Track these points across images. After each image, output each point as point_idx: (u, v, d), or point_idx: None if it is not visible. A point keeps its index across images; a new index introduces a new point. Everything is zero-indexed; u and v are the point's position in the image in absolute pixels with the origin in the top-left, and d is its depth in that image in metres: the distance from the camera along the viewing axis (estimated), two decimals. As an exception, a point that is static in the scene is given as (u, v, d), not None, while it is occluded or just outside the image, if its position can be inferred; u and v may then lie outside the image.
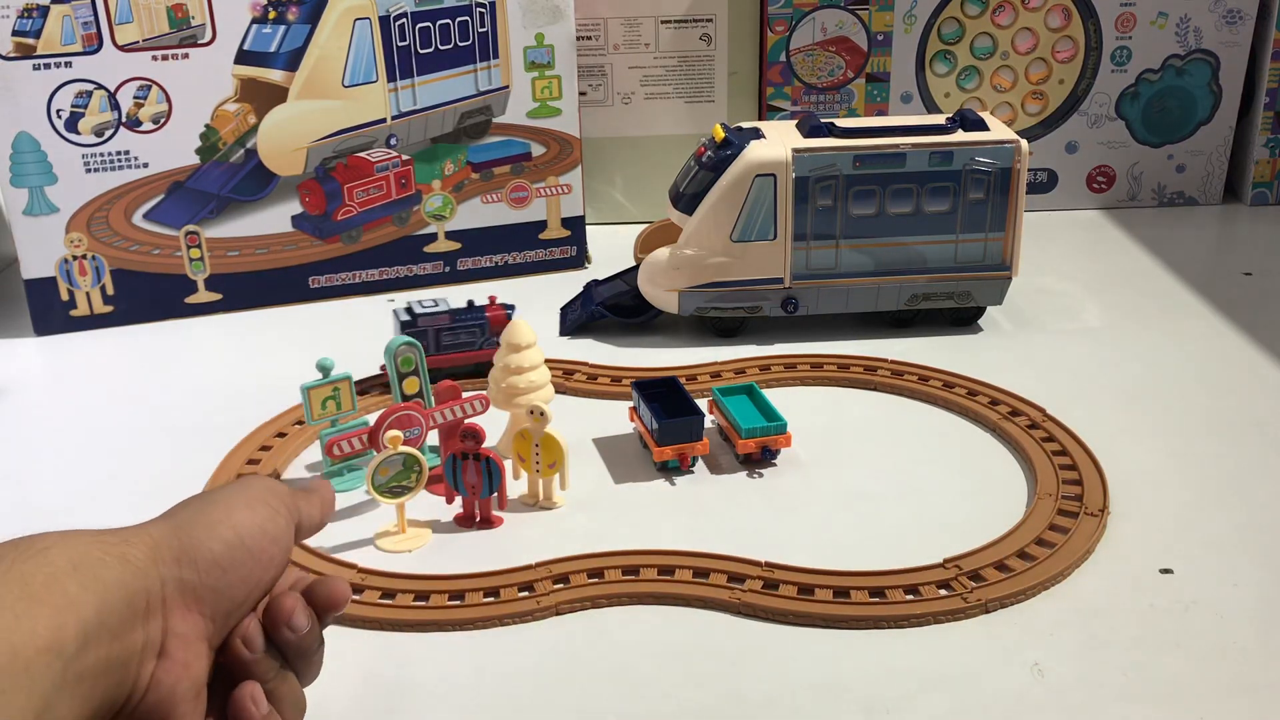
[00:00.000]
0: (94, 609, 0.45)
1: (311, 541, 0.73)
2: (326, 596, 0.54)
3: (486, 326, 0.91)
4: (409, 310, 0.90)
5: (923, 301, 0.98)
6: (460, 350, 0.90)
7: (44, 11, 0.95)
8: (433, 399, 0.81)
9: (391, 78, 1.04)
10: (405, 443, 0.73)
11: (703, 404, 0.84)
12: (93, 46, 0.97)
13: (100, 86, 0.98)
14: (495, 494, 0.75)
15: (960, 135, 0.95)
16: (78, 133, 0.99)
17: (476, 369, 0.91)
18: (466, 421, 0.75)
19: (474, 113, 1.08)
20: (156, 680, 0.49)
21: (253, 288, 1.06)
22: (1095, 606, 0.67)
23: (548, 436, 0.75)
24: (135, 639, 0.48)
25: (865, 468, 0.81)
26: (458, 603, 0.67)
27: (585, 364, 0.94)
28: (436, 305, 0.90)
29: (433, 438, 0.81)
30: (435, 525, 0.75)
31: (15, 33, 0.95)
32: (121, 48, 0.97)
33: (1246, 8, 1.19)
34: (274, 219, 1.05)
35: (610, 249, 1.15)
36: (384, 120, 1.05)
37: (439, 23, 1.04)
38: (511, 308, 0.92)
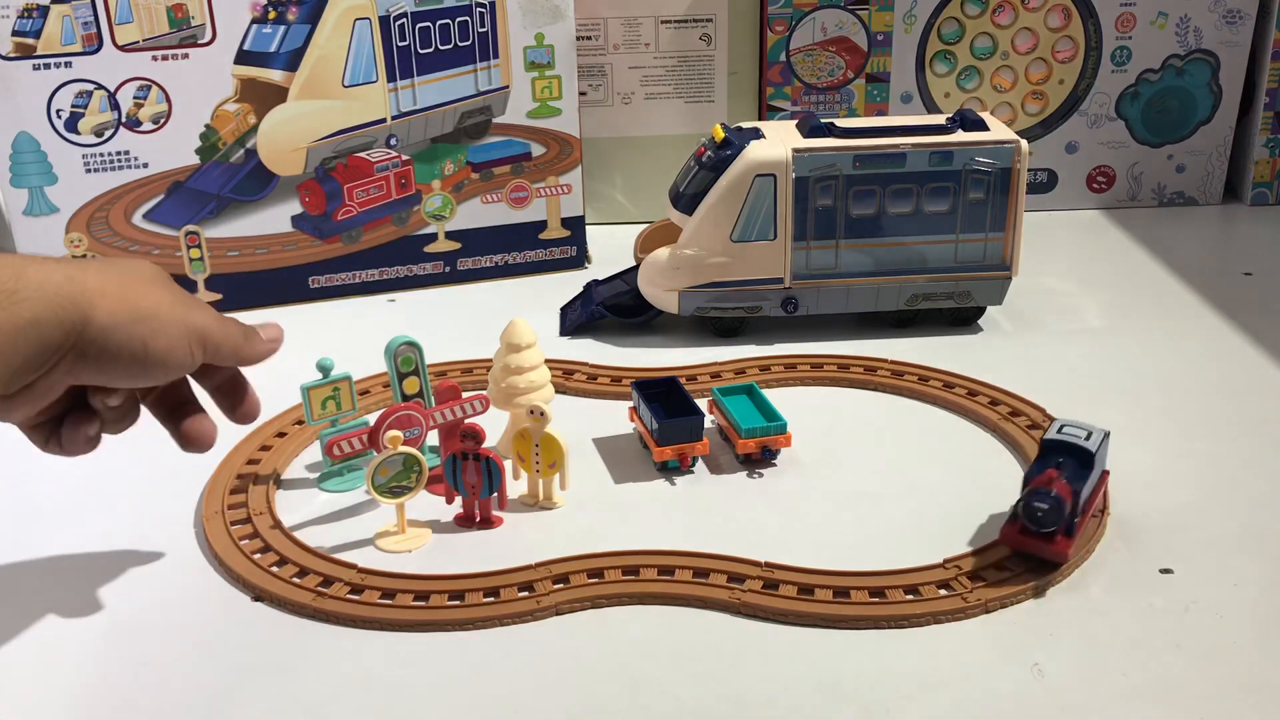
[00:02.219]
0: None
1: (312, 541, 0.73)
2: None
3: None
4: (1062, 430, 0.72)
5: (923, 301, 0.98)
6: None
7: (44, 11, 0.95)
8: (433, 399, 0.81)
9: (391, 78, 1.04)
10: (405, 443, 0.73)
11: (703, 404, 0.84)
12: (93, 46, 0.97)
13: (100, 86, 0.98)
14: (495, 494, 0.75)
15: (960, 135, 0.95)
16: (78, 133, 0.99)
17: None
18: (466, 421, 0.75)
19: (474, 113, 1.08)
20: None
21: (253, 288, 1.06)
22: (1095, 606, 0.67)
23: (548, 436, 0.75)
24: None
25: (865, 468, 0.81)
26: (458, 603, 0.67)
27: (585, 364, 0.94)
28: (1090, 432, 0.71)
29: (433, 438, 0.81)
30: (435, 525, 0.75)
31: (15, 33, 0.95)
32: (121, 48, 0.98)
33: (1246, 8, 1.19)
34: (274, 219, 1.05)
35: (610, 249, 1.15)
36: (384, 120, 1.05)
37: (439, 23, 1.04)
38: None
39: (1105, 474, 0.75)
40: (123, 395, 0.63)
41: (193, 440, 0.67)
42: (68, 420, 0.63)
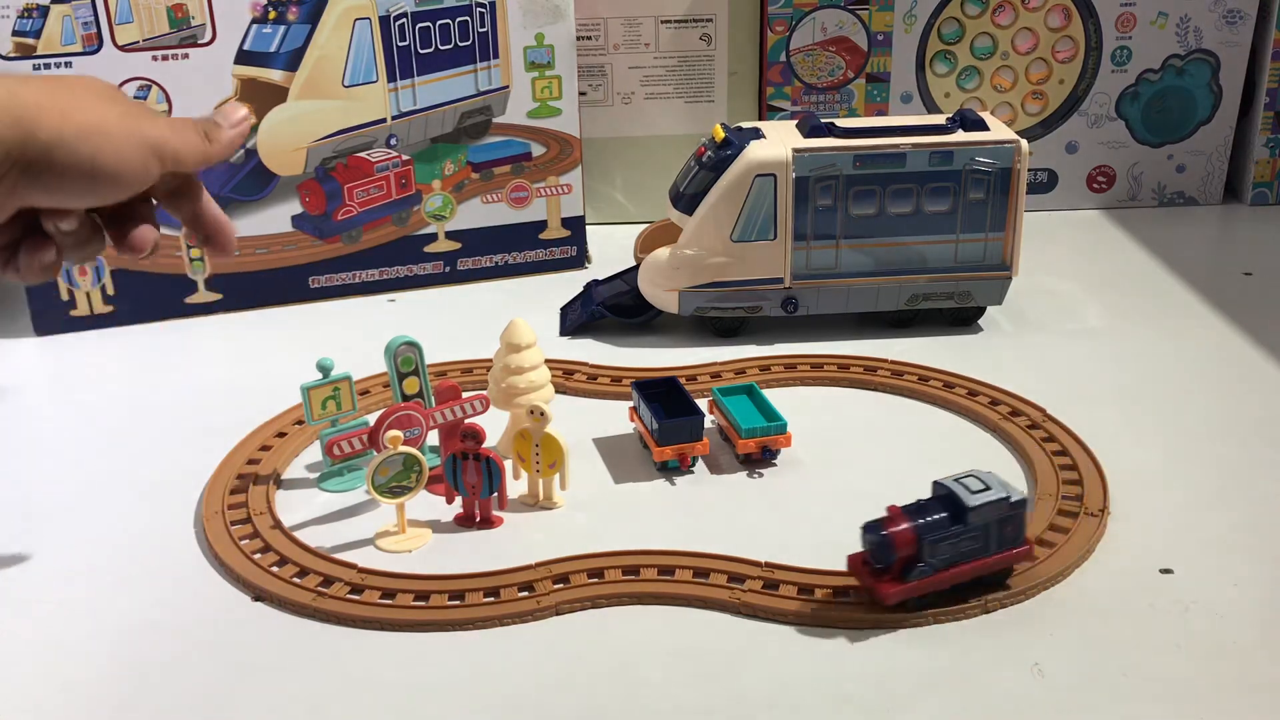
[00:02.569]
0: None
1: (312, 541, 0.73)
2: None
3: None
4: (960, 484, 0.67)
5: (923, 301, 0.98)
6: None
7: (44, 11, 0.95)
8: (433, 399, 0.81)
9: (391, 78, 1.04)
10: (405, 443, 0.73)
11: (703, 404, 0.84)
12: (93, 46, 0.97)
13: (100, 86, 0.98)
14: (495, 494, 0.75)
15: (960, 135, 0.95)
16: (78, 133, 0.99)
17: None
18: (466, 421, 0.75)
19: (474, 113, 1.08)
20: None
21: (253, 288, 1.06)
22: (1095, 606, 0.67)
23: (548, 436, 0.75)
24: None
25: (865, 468, 0.81)
26: (458, 603, 0.67)
27: (585, 364, 0.94)
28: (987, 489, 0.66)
29: (433, 438, 0.81)
30: (435, 525, 0.75)
31: (15, 33, 0.95)
32: (121, 48, 0.97)
33: (1246, 8, 1.19)
34: (274, 219, 1.05)
35: (610, 249, 1.15)
36: (384, 120, 1.05)
37: (439, 23, 1.04)
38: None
39: (1027, 546, 0.67)
40: (77, 219, 0.61)
41: (131, 245, 0.64)
42: (24, 246, 0.61)
